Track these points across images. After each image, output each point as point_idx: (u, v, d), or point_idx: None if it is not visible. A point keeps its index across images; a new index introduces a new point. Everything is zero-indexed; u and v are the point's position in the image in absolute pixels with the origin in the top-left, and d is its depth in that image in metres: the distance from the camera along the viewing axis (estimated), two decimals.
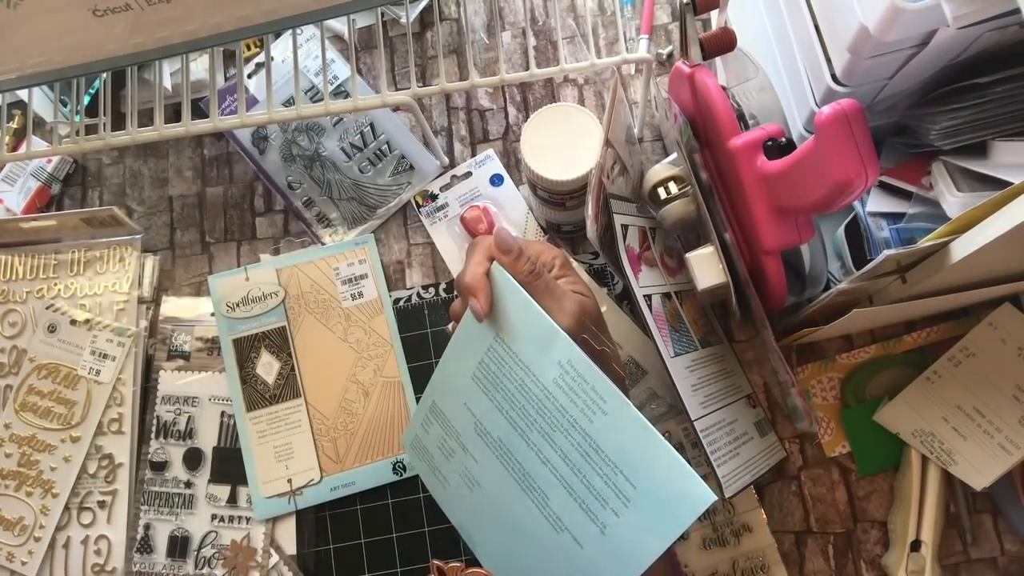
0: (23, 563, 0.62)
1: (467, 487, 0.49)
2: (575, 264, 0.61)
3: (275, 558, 0.62)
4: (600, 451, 0.42)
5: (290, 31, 0.61)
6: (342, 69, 0.70)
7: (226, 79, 0.73)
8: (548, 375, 0.43)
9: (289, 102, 0.69)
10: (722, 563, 0.58)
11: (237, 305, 0.66)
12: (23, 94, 0.61)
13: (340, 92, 0.70)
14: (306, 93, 0.70)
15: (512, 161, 0.68)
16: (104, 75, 0.62)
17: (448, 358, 0.50)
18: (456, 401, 0.49)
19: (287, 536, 0.62)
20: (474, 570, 0.41)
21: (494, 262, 0.45)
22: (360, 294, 0.66)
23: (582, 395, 0.42)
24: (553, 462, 0.44)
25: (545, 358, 0.43)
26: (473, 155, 0.69)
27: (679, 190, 0.56)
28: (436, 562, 0.41)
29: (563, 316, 0.44)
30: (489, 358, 0.46)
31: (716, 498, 0.38)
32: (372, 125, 0.69)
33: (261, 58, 0.71)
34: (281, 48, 0.71)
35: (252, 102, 0.70)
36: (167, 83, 0.67)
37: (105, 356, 0.65)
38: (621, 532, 0.41)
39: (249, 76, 0.71)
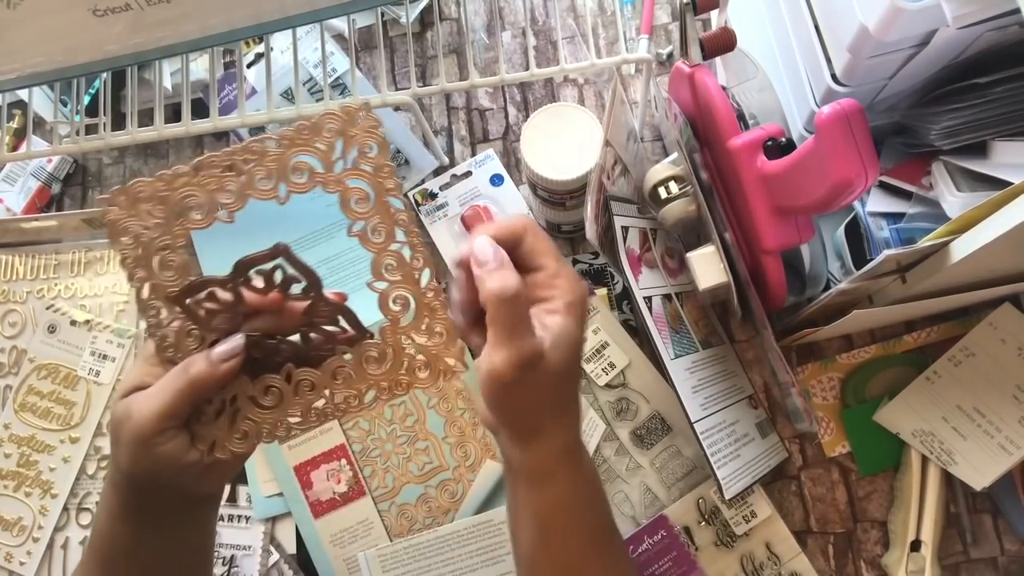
0: (21, 563, 0.62)
1: None
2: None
3: (275, 556, 0.62)
4: None
5: None
6: (341, 62, 0.70)
7: (225, 69, 0.73)
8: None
9: (287, 93, 0.69)
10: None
11: None
12: (23, 94, 0.61)
13: (338, 84, 0.70)
14: (304, 84, 0.70)
15: (512, 161, 0.68)
16: (104, 75, 0.62)
17: None
18: None
19: (287, 535, 0.62)
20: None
21: None
22: None
23: None
24: None
25: None
26: (473, 155, 0.69)
27: (679, 190, 0.56)
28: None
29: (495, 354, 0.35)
30: None
31: None
32: None
33: (261, 47, 0.71)
34: (281, 40, 0.71)
35: (251, 92, 0.70)
36: (167, 83, 0.67)
37: (105, 357, 0.65)
38: None
39: (248, 66, 0.71)
